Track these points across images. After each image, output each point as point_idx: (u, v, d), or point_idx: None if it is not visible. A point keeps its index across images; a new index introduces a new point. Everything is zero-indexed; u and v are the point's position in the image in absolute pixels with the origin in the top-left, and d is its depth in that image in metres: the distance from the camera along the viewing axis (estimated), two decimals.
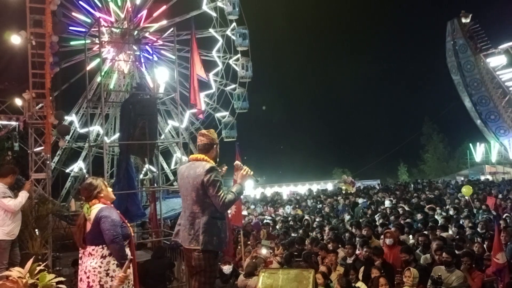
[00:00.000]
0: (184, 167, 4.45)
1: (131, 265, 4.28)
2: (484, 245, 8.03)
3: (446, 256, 6.60)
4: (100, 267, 4.18)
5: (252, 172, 4.50)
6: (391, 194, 20.66)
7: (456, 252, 7.09)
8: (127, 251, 4.33)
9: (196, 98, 10.78)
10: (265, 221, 14.11)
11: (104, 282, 4.15)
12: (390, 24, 62.93)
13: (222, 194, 4.17)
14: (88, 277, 4.18)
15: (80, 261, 4.38)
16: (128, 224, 4.59)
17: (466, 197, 15.54)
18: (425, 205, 14.81)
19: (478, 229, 9.75)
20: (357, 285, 6.42)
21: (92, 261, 4.20)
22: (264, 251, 8.53)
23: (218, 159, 4.50)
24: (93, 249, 4.24)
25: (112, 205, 4.47)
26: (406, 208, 13.80)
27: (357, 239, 9.09)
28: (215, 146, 4.45)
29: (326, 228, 11.29)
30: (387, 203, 16.40)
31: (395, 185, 29.46)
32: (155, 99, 9.67)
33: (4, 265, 6.35)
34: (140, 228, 11.58)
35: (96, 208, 4.29)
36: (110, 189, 4.60)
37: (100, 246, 4.22)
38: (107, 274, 4.18)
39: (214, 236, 4.18)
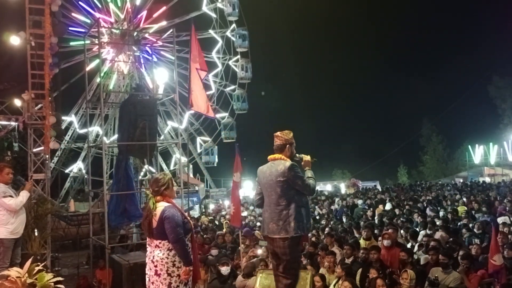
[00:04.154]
0: (265, 167, 4.91)
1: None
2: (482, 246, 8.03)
3: (443, 258, 6.62)
4: (167, 258, 4.57)
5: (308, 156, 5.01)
6: (392, 197, 20.54)
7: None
8: (189, 244, 4.67)
9: (202, 104, 10.38)
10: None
11: (171, 272, 4.56)
12: (390, 26, 63.03)
13: (307, 183, 4.71)
14: (156, 266, 4.58)
15: (148, 248, 4.75)
16: (190, 220, 4.95)
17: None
18: (425, 207, 14.80)
19: (475, 230, 9.76)
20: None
21: (159, 253, 4.59)
22: (259, 252, 8.51)
23: (295, 156, 4.95)
24: (159, 242, 4.60)
25: (174, 202, 4.80)
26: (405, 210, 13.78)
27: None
28: (288, 145, 4.87)
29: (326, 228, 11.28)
30: (388, 205, 16.37)
31: (393, 186, 29.44)
32: (155, 99, 9.69)
33: (6, 264, 6.29)
34: (139, 229, 11.59)
35: (160, 206, 4.60)
36: (175, 188, 5.01)
37: (166, 241, 4.58)
38: (174, 265, 4.58)
39: (300, 222, 4.66)
